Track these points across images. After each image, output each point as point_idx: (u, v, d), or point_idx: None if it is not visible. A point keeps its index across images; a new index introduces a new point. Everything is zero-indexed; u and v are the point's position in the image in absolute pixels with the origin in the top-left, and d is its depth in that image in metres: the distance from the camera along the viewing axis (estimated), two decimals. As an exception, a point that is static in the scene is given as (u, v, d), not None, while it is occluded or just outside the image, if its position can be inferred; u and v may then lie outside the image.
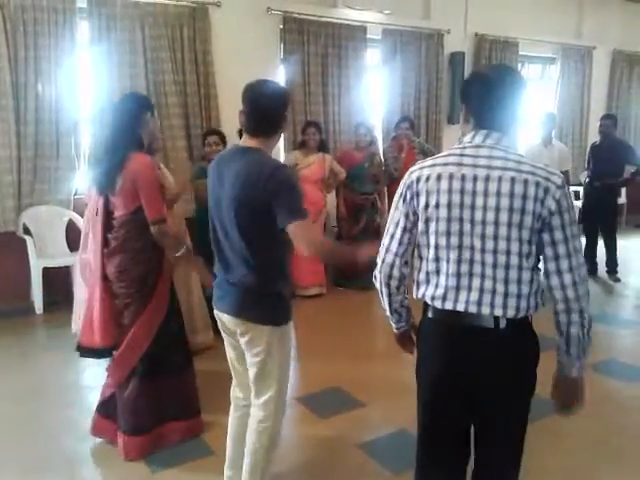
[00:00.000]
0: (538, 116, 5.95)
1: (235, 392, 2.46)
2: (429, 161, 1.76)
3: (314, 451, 2.75)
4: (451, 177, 1.67)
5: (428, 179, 1.71)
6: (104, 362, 3.98)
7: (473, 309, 1.67)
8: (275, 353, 2.19)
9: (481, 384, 1.73)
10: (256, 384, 2.25)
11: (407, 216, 1.78)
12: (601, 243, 6.27)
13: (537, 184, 1.60)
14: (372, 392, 3.56)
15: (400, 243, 1.80)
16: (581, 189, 8.66)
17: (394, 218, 1.81)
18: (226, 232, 2.14)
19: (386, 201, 6.06)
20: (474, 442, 1.85)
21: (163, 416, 2.94)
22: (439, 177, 1.69)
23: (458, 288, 1.69)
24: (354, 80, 6.63)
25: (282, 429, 2.33)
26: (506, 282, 1.65)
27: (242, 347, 2.25)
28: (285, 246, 2.17)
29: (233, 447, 2.46)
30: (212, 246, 2.25)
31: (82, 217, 5.27)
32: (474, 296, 1.67)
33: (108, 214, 2.90)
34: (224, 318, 2.24)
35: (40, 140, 5.10)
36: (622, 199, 8.18)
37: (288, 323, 2.22)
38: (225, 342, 2.37)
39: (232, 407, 2.48)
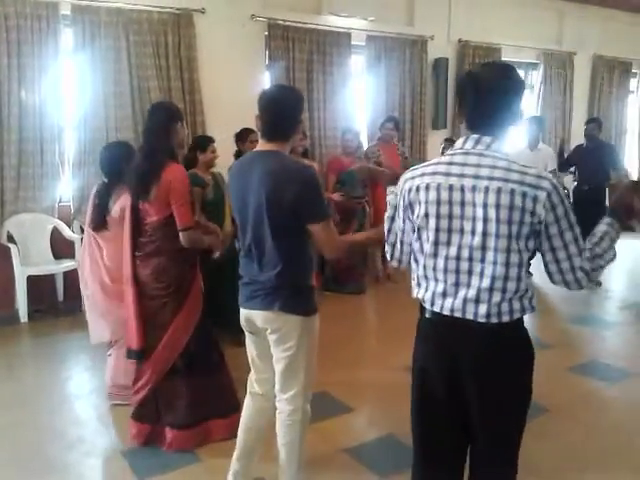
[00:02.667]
0: (524, 120, 6.00)
1: (254, 387, 2.50)
2: (419, 170, 1.77)
3: (307, 455, 2.76)
4: (439, 187, 1.68)
5: (418, 189, 1.72)
6: (89, 371, 3.99)
7: (458, 315, 1.70)
8: (305, 345, 2.27)
9: (468, 380, 1.74)
10: (284, 378, 2.31)
11: (399, 222, 1.85)
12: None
13: (524, 194, 1.58)
14: (359, 397, 3.57)
15: (393, 257, 1.93)
16: (565, 191, 8.80)
17: (386, 225, 1.91)
18: (255, 233, 2.21)
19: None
20: (470, 442, 1.86)
21: (207, 413, 3.01)
22: (427, 187, 1.70)
23: (445, 295, 1.72)
24: (339, 86, 6.67)
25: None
26: (490, 291, 1.66)
27: (270, 344, 2.31)
28: (308, 242, 2.27)
29: (246, 439, 2.49)
30: (240, 247, 2.34)
31: (67, 225, 5.30)
32: (458, 304, 1.70)
33: (138, 220, 2.95)
34: (255, 316, 2.29)
35: (24, 147, 5.07)
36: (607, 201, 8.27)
37: (316, 314, 2.32)
38: (248, 340, 2.43)
39: (249, 400, 2.51)
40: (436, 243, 1.71)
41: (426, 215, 1.71)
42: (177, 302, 2.92)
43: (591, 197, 6.12)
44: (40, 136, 5.12)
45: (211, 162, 4.39)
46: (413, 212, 1.76)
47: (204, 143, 4.42)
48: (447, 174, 1.68)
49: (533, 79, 8.73)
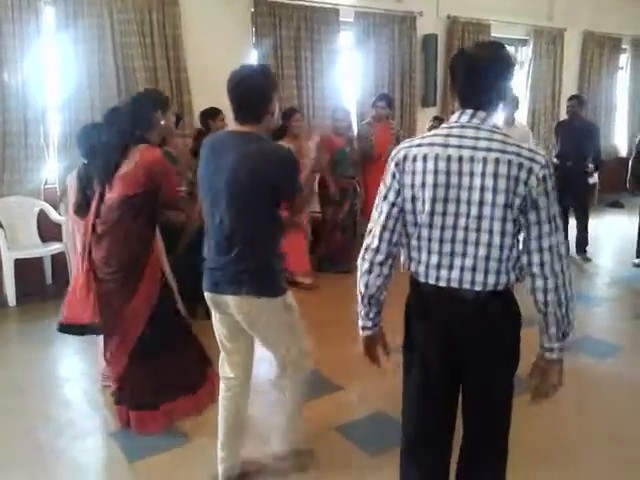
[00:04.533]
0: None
1: (225, 372, 2.48)
2: (416, 140, 1.77)
3: (292, 434, 2.77)
4: (437, 158, 1.68)
5: (415, 159, 1.71)
6: (79, 354, 3.98)
7: (455, 285, 1.72)
8: (279, 323, 2.33)
9: (466, 351, 1.77)
10: (271, 352, 2.43)
11: (395, 192, 1.76)
12: (572, 222, 6.35)
13: (520, 165, 1.62)
14: (349, 375, 3.58)
15: (385, 227, 1.77)
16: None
17: (381, 193, 1.80)
18: (226, 213, 2.19)
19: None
20: (462, 412, 1.89)
21: (172, 393, 3.00)
22: (425, 157, 1.70)
23: (439, 266, 1.73)
24: (327, 64, 6.59)
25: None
26: (487, 259, 1.68)
27: (242, 325, 2.32)
28: (280, 223, 2.30)
29: (226, 427, 2.48)
30: (206, 227, 2.31)
31: (53, 207, 5.24)
32: (455, 274, 1.71)
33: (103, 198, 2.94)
34: (224, 299, 2.28)
35: (8, 129, 4.99)
36: (594, 179, 8.29)
37: (285, 293, 2.35)
38: (216, 321, 2.42)
39: (222, 387, 2.49)
40: (432, 213, 1.70)
41: (423, 185, 1.70)
42: (127, 288, 2.87)
43: (573, 173, 6.07)
44: (24, 118, 5.04)
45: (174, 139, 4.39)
46: (406, 181, 1.73)
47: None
48: (445, 145, 1.69)
49: (523, 55, 8.68)
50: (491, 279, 1.69)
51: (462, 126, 1.71)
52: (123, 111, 3.05)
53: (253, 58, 6.19)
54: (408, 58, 7.22)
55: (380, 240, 1.78)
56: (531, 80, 8.56)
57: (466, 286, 1.70)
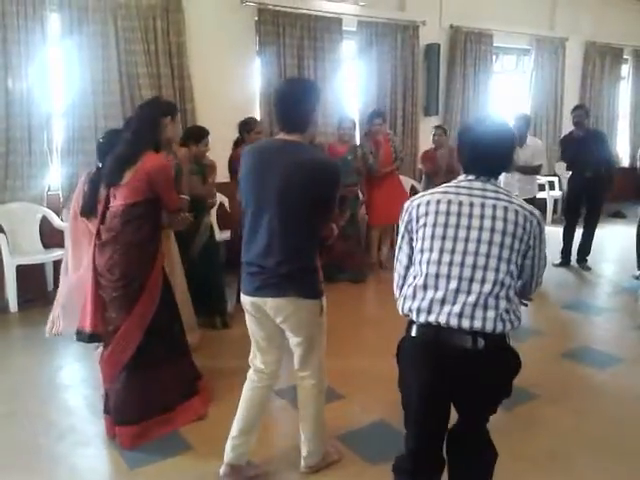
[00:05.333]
0: (511, 117, 6.00)
1: (257, 365, 2.55)
2: (428, 191, 1.96)
3: (294, 442, 2.76)
4: (449, 202, 1.86)
5: (428, 203, 1.88)
6: (79, 361, 3.98)
7: (454, 322, 1.77)
8: (320, 325, 2.44)
9: (462, 393, 1.88)
10: (304, 358, 2.48)
11: (407, 240, 1.95)
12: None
13: (525, 216, 1.83)
14: (351, 384, 3.58)
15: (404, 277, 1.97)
16: (556, 179, 8.81)
17: (401, 246, 1.98)
18: (273, 218, 2.25)
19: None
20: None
21: (165, 404, 3.01)
22: (438, 201, 1.87)
23: (443, 302, 1.80)
24: (330, 72, 6.62)
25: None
26: (488, 296, 1.78)
27: (280, 327, 2.40)
28: (319, 230, 2.39)
29: (247, 415, 2.53)
30: (246, 233, 2.36)
31: (56, 214, 5.25)
32: (457, 309, 1.78)
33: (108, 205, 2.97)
34: (265, 303, 2.33)
35: (12, 136, 5.01)
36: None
37: (322, 297, 2.42)
38: (252, 323, 2.47)
39: (254, 377, 2.55)
40: (441, 251, 1.82)
41: (434, 224, 1.84)
42: (128, 300, 2.86)
43: (592, 184, 6.08)
44: (28, 124, 5.06)
45: (202, 155, 4.36)
46: (418, 223, 1.89)
47: (197, 137, 4.36)
48: (457, 193, 1.87)
49: (525, 65, 8.71)
50: (490, 314, 1.78)
51: (470, 181, 1.90)
52: (136, 116, 3.08)
53: (256, 66, 6.22)
54: (411, 67, 7.25)
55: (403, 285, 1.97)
56: (533, 90, 8.58)
57: (465, 322, 1.77)
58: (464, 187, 1.88)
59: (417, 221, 1.89)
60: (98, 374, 3.46)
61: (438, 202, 1.86)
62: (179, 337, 3.20)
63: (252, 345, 2.56)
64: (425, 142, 6.96)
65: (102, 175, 3.03)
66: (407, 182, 7.14)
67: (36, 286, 5.21)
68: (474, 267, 1.79)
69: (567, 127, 8.70)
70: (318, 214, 2.30)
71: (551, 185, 8.69)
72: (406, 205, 1.97)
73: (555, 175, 8.80)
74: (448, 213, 1.83)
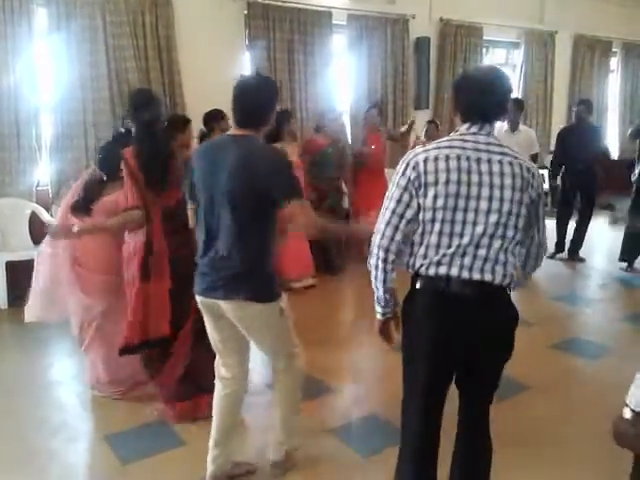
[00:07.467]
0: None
1: (221, 372, 2.49)
2: (434, 144, 1.91)
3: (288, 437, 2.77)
4: (458, 158, 1.83)
5: (436, 159, 1.83)
6: (71, 357, 3.95)
7: (465, 274, 1.82)
8: (276, 326, 2.36)
9: (472, 344, 1.88)
10: (269, 354, 2.48)
11: (409, 193, 1.86)
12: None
13: (528, 169, 1.86)
14: (342, 378, 3.59)
15: (397, 227, 1.88)
16: (545, 172, 8.83)
17: (394, 195, 1.89)
18: (224, 216, 2.21)
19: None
20: (457, 383, 2.02)
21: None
22: (447, 157, 1.83)
23: (454, 255, 1.83)
24: (320, 66, 6.60)
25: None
26: (498, 251, 1.83)
27: (236, 328, 2.34)
28: (274, 229, 2.31)
29: (220, 424, 2.47)
30: (200, 232, 2.31)
31: (45, 209, 5.21)
32: (467, 261, 1.82)
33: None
34: (218, 304, 2.28)
35: (-1, 131, 4.97)
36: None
37: (280, 297, 2.35)
38: (209, 325, 2.42)
39: (219, 386, 2.49)
40: (455, 209, 1.82)
41: (447, 182, 1.81)
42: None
43: (585, 177, 6.13)
44: (16, 119, 5.02)
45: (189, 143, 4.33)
46: (427, 181, 1.83)
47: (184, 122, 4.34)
48: (463, 148, 1.85)
49: (515, 58, 8.73)
50: (499, 269, 1.83)
51: (474, 134, 1.88)
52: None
53: (246, 60, 6.20)
54: (401, 61, 7.24)
55: (391, 240, 1.88)
56: (523, 83, 8.60)
57: (476, 275, 1.81)
58: (470, 141, 1.86)
59: (425, 177, 1.82)
60: (89, 377, 3.45)
61: (447, 158, 1.82)
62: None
63: (214, 350, 2.50)
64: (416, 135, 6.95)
65: (147, 183, 2.99)
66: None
67: (26, 282, 5.14)
68: (486, 224, 1.81)
69: (557, 120, 8.77)
70: (270, 208, 2.22)
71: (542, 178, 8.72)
72: (408, 158, 1.88)
73: (545, 168, 8.83)
74: (459, 169, 1.81)
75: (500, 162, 1.83)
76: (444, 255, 1.83)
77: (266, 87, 2.33)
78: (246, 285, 2.22)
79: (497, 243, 1.83)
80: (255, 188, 2.16)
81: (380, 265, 1.91)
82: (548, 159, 8.52)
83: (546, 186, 8.78)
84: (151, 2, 5.50)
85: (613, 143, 9.83)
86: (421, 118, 7.16)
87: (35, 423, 3.13)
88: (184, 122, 4.34)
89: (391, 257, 1.89)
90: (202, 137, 4.83)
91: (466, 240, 1.82)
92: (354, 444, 2.86)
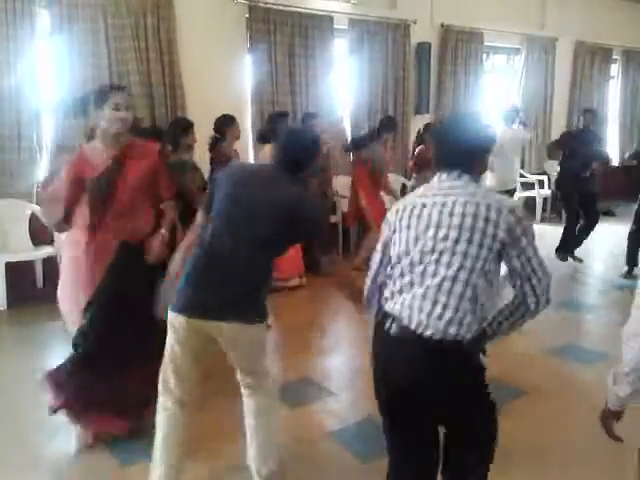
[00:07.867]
0: (502, 110, 6.07)
1: (183, 394, 2.35)
2: (406, 197, 1.97)
3: (283, 440, 2.77)
4: (414, 205, 1.83)
5: (397, 211, 1.87)
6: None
7: (428, 331, 1.72)
8: (261, 344, 2.38)
9: (439, 399, 1.79)
10: (250, 374, 2.39)
11: (385, 245, 1.91)
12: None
13: (488, 206, 1.73)
14: (340, 381, 3.59)
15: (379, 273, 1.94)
16: (545, 178, 8.85)
17: (379, 245, 1.95)
18: (237, 247, 2.20)
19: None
20: (445, 443, 1.92)
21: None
22: (404, 208, 1.85)
23: (411, 307, 1.76)
24: (321, 70, 6.63)
25: None
26: (461, 298, 1.71)
27: (210, 349, 2.32)
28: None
29: (170, 449, 2.35)
30: (204, 251, 2.24)
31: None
32: (437, 311, 1.73)
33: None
34: (212, 326, 2.21)
35: (0, 132, 4.98)
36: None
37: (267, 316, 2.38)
38: (179, 345, 2.28)
39: (176, 410, 2.33)
40: (407, 253, 1.79)
41: (401, 229, 1.83)
42: None
43: (588, 184, 6.13)
44: (17, 120, 5.04)
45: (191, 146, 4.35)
46: (391, 229, 1.88)
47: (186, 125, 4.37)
48: (422, 195, 1.85)
49: (515, 64, 8.75)
50: (467, 320, 1.71)
51: (441, 181, 1.85)
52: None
53: (247, 64, 6.22)
54: (402, 66, 7.27)
55: (372, 282, 1.97)
56: (523, 89, 8.62)
57: (440, 327, 1.70)
58: (431, 186, 1.85)
59: (391, 227, 1.88)
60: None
61: (404, 209, 1.84)
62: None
63: (167, 373, 2.34)
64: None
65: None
66: (398, 180, 7.16)
67: (25, 284, 5.18)
68: (448, 265, 1.72)
69: (556, 126, 8.80)
70: (285, 242, 2.36)
71: (541, 184, 8.73)
72: (388, 215, 1.93)
73: (545, 174, 8.85)
74: (411, 216, 1.81)
75: (453, 203, 1.75)
76: (408, 307, 1.78)
77: (307, 145, 2.36)
78: (244, 308, 2.21)
79: (458, 287, 1.72)
80: (293, 238, 2.37)
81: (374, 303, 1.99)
82: (548, 165, 8.57)
83: (547, 192, 8.80)
84: (153, 5, 5.52)
85: (613, 149, 9.85)
86: (421, 123, 7.18)
87: (34, 425, 3.12)
88: (187, 125, 4.37)
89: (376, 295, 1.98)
90: (214, 143, 4.85)
91: (425, 289, 1.75)
92: (351, 447, 2.86)
